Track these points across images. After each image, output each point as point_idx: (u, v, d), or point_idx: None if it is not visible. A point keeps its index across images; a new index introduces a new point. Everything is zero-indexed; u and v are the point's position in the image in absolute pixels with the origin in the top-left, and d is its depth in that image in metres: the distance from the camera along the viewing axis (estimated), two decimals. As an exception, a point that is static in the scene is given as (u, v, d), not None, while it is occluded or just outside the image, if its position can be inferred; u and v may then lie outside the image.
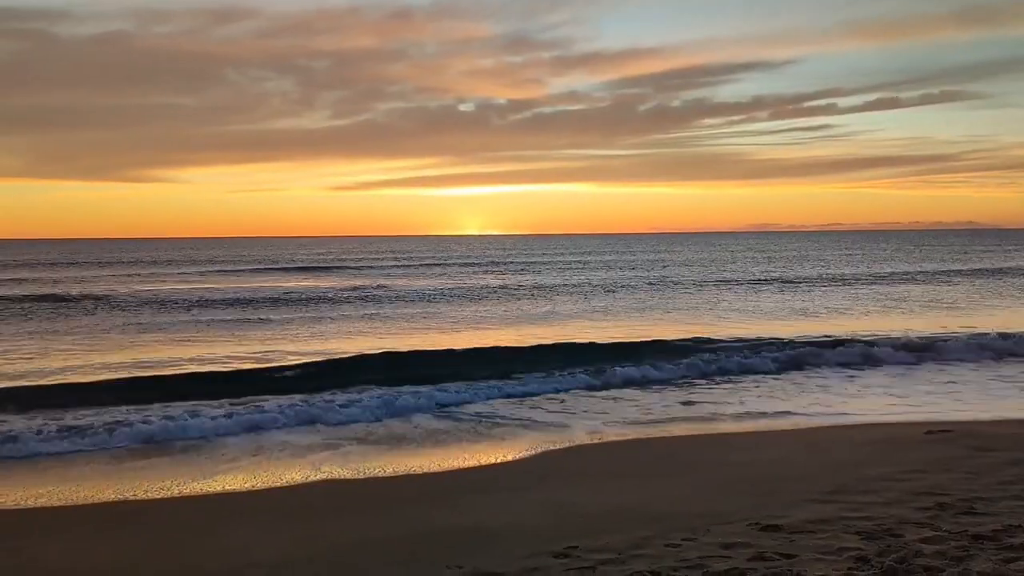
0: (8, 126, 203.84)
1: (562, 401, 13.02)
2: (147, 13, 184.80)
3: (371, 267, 57.59)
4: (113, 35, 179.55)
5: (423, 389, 13.11)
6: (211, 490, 8.14)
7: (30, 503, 7.75)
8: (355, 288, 36.81)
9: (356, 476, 8.62)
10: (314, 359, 16.25)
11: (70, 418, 11.05)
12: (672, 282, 40.68)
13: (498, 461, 9.25)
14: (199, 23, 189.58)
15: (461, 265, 59.28)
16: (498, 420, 11.52)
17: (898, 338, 18.40)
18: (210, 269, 54.45)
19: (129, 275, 48.06)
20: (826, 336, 18.97)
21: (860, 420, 11.12)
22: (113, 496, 7.90)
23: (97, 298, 31.32)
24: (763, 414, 11.76)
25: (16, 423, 10.76)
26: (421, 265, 59.95)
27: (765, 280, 41.75)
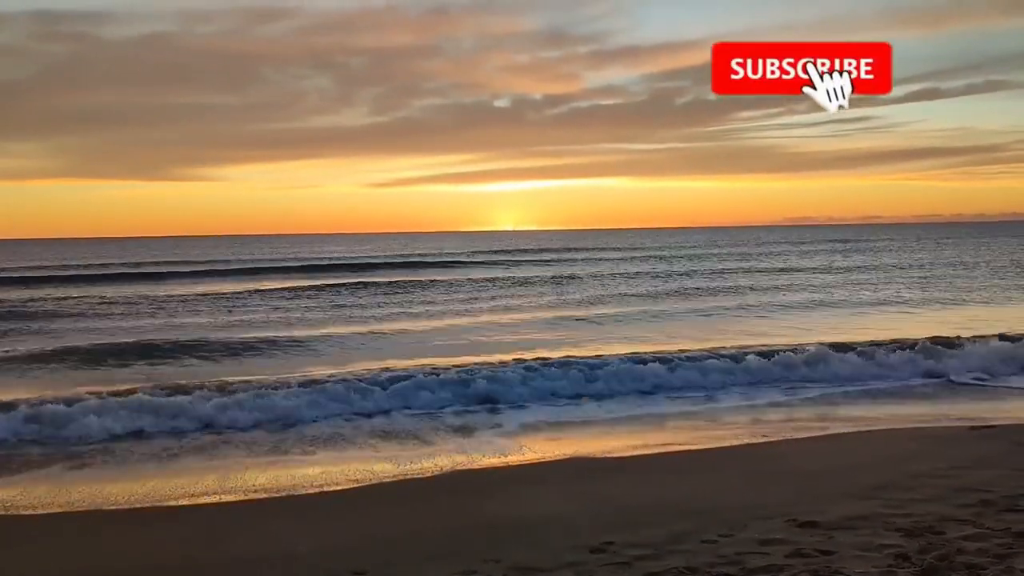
0: (55, 127, 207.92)
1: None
2: (190, 14, 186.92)
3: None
4: (156, 36, 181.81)
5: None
6: (254, 483, 8.27)
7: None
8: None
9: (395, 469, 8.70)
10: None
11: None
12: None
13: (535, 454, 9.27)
14: (240, 23, 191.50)
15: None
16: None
17: None
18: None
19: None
20: None
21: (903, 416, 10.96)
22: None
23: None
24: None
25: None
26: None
27: None
